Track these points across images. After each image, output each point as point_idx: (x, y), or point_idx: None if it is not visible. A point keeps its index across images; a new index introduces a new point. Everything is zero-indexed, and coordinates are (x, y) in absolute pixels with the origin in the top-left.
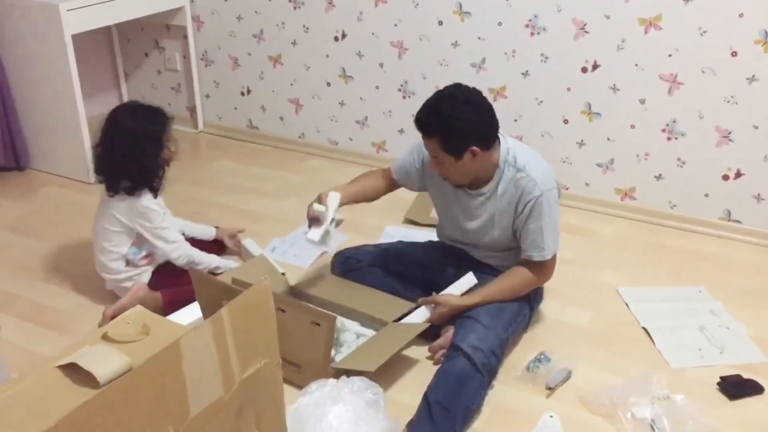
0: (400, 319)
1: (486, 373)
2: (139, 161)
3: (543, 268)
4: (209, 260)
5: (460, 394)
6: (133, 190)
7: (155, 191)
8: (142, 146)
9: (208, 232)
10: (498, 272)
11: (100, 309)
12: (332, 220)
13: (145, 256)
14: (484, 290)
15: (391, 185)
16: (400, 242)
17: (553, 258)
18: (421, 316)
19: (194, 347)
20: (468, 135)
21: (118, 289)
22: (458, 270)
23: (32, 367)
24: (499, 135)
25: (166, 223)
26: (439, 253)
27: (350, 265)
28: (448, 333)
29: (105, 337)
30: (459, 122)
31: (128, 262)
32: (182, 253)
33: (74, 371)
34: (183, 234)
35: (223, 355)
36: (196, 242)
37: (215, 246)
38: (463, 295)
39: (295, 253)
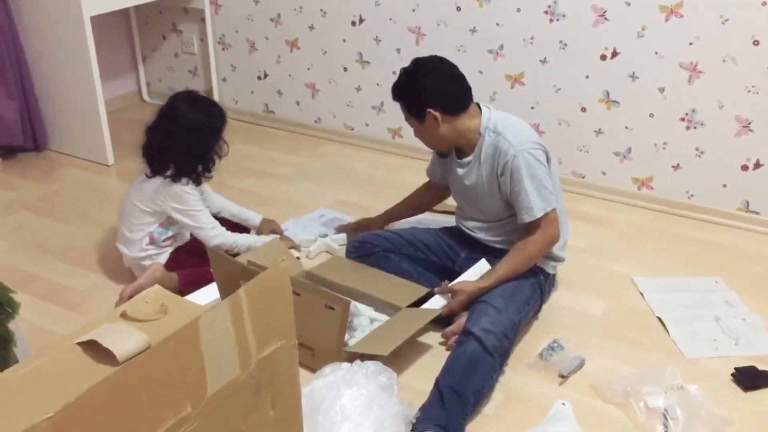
0: (414, 305)
1: (498, 356)
2: (195, 152)
3: (540, 228)
4: (243, 241)
5: (471, 378)
6: (177, 178)
7: (198, 182)
8: (202, 139)
9: (251, 220)
10: None
11: (118, 289)
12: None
13: (169, 237)
14: (497, 269)
15: (434, 189)
16: (414, 228)
17: (550, 216)
18: (436, 304)
19: (212, 327)
20: (423, 98)
21: (135, 266)
22: (471, 254)
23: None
24: (483, 106)
25: (200, 206)
26: (452, 239)
27: (365, 249)
28: (461, 319)
29: (124, 316)
30: (415, 86)
31: (151, 241)
32: (217, 234)
33: (93, 348)
34: (219, 215)
35: (240, 335)
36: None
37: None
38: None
39: (306, 234)
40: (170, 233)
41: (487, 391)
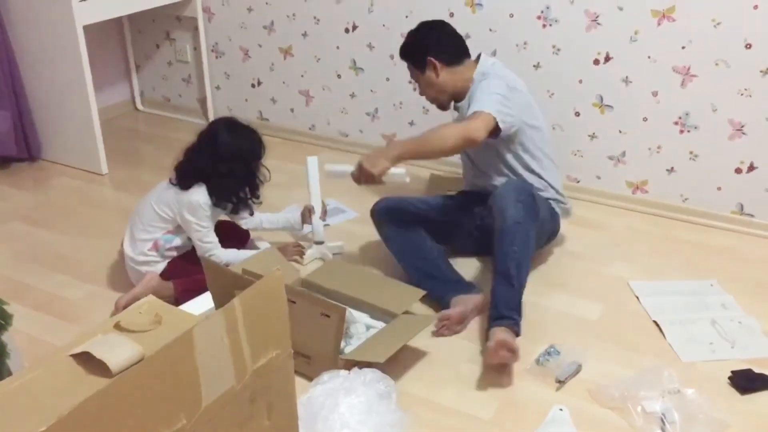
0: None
1: (529, 215)
2: (238, 179)
3: (466, 120)
4: (241, 258)
5: (525, 252)
6: (218, 202)
7: (223, 206)
8: (244, 165)
9: (291, 220)
10: None
11: (112, 299)
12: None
13: (174, 247)
14: (412, 138)
15: None
16: (429, 196)
17: (483, 114)
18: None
19: (207, 337)
20: (423, 48)
21: (133, 271)
22: (483, 209)
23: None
24: (485, 56)
25: (207, 223)
26: (462, 198)
27: (393, 215)
28: (458, 307)
29: (117, 327)
30: (416, 38)
31: (155, 247)
32: (213, 255)
33: (87, 360)
34: (259, 227)
35: (235, 345)
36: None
37: (235, 237)
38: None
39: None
40: (175, 243)
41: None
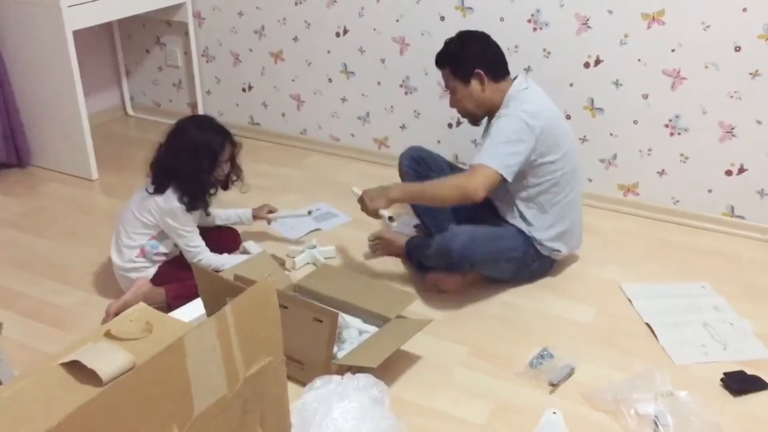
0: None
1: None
2: (191, 175)
3: (468, 173)
4: (231, 262)
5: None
6: (185, 200)
7: (195, 206)
8: (194, 158)
9: (243, 218)
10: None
11: (103, 306)
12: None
13: (161, 253)
14: (411, 182)
15: None
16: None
17: (485, 170)
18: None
19: (198, 345)
20: (473, 58)
21: (122, 278)
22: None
23: (35, 364)
24: (521, 76)
25: (191, 227)
26: None
27: (418, 166)
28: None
29: (108, 335)
30: (464, 48)
31: (142, 254)
32: (201, 258)
33: (77, 369)
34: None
35: (227, 353)
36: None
37: (227, 241)
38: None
39: (291, 226)
40: (161, 249)
41: None
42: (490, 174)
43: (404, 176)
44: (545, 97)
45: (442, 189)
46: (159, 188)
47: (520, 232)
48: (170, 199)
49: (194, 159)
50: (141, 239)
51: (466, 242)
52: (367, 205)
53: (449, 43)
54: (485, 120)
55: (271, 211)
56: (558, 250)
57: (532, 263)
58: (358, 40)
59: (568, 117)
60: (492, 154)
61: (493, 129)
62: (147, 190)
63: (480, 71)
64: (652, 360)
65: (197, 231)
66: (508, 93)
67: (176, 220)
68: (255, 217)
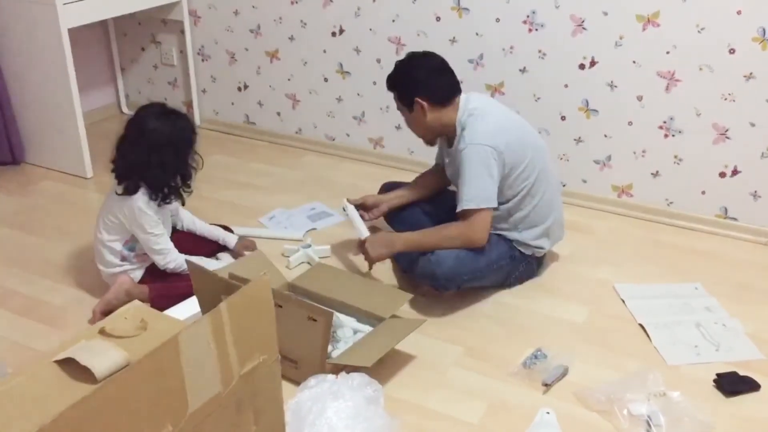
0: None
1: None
2: (170, 168)
3: (465, 221)
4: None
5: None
6: (151, 195)
7: (164, 197)
8: (176, 151)
9: (227, 240)
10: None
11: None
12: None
13: (139, 255)
14: (411, 234)
15: (442, 172)
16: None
17: (478, 215)
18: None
19: (193, 342)
20: (413, 87)
21: (111, 281)
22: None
23: (27, 362)
24: (463, 96)
25: (158, 229)
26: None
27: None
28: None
29: (102, 332)
30: (405, 75)
31: (123, 258)
32: (170, 260)
33: (71, 366)
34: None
35: (221, 351)
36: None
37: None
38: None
39: (290, 224)
40: (137, 251)
41: None
42: (485, 216)
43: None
44: (495, 107)
45: (447, 242)
46: (129, 189)
47: (501, 237)
48: (136, 199)
49: (171, 154)
50: (116, 245)
51: (452, 265)
52: (370, 254)
53: (396, 67)
54: (452, 154)
55: (248, 249)
56: (541, 247)
57: (520, 266)
58: (354, 39)
59: (563, 118)
60: (474, 195)
61: (462, 168)
62: (116, 192)
63: (419, 100)
64: (645, 360)
65: (165, 234)
66: (458, 118)
67: (141, 220)
68: (237, 252)
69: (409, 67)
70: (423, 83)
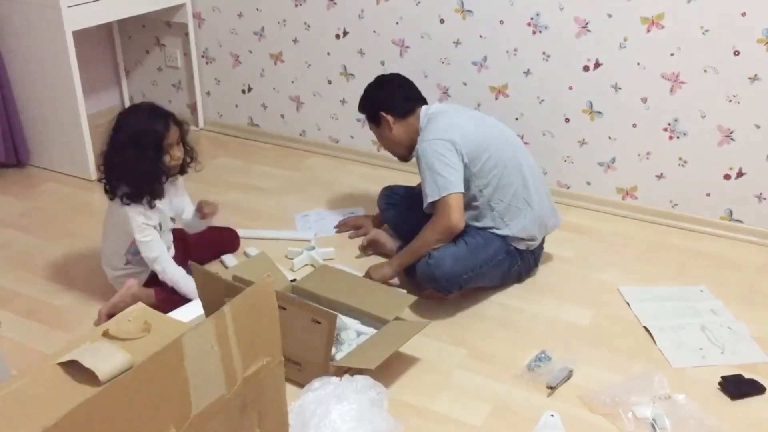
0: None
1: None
2: (133, 165)
3: (437, 214)
4: (186, 287)
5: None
6: (130, 198)
7: (146, 199)
8: (138, 149)
9: (195, 216)
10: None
11: (100, 306)
12: None
13: (143, 258)
14: (400, 255)
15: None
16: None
17: (443, 201)
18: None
19: (196, 345)
20: (375, 104)
21: (117, 284)
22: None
23: (31, 364)
24: (425, 107)
25: (146, 236)
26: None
27: (392, 199)
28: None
29: (106, 334)
30: (370, 96)
31: (128, 261)
32: (160, 270)
33: (75, 368)
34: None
35: (225, 353)
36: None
37: (227, 243)
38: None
39: (319, 226)
40: (141, 255)
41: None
42: (454, 200)
43: (382, 212)
44: (452, 109)
45: (430, 240)
46: (112, 191)
47: (494, 234)
48: (122, 206)
49: (138, 150)
50: (121, 248)
51: (451, 265)
52: (372, 276)
53: (364, 90)
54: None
55: (209, 203)
56: (533, 239)
57: (517, 260)
58: (358, 42)
59: (567, 120)
60: (438, 185)
61: (420, 167)
62: (108, 197)
63: (383, 114)
64: (650, 363)
65: (157, 238)
66: (420, 126)
67: (132, 225)
68: (201, 215)
69: (374, 88)
70: (384, 99)
